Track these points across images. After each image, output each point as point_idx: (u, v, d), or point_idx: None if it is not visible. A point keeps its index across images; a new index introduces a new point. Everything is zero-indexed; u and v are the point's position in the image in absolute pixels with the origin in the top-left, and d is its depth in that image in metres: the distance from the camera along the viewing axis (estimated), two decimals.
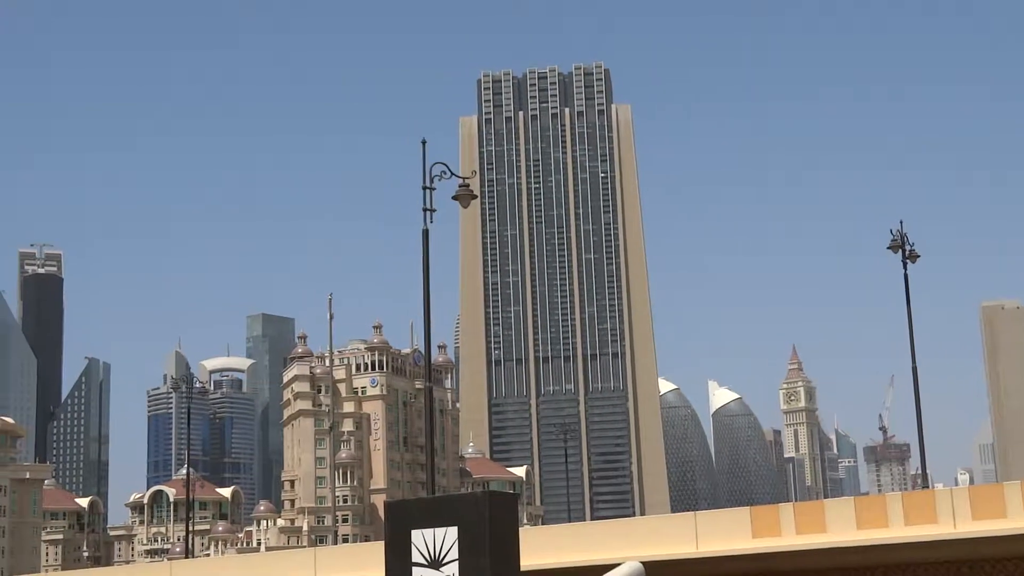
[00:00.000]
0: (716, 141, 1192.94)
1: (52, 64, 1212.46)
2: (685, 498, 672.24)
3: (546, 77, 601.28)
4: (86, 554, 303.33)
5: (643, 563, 33.02)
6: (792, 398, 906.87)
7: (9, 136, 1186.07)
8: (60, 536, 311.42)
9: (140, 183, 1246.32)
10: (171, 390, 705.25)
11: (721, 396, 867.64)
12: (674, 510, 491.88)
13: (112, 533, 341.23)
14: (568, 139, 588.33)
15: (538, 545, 38.68)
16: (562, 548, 39.72)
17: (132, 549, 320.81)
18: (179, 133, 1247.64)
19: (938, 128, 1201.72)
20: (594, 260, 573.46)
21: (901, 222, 68.70)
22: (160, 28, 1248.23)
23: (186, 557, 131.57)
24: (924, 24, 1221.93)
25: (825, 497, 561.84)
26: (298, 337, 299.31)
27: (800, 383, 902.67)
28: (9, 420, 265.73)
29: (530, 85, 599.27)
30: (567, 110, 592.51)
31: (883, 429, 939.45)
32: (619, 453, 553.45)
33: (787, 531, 37.24)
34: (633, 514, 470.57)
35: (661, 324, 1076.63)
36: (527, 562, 30.52)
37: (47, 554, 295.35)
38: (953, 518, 38.59)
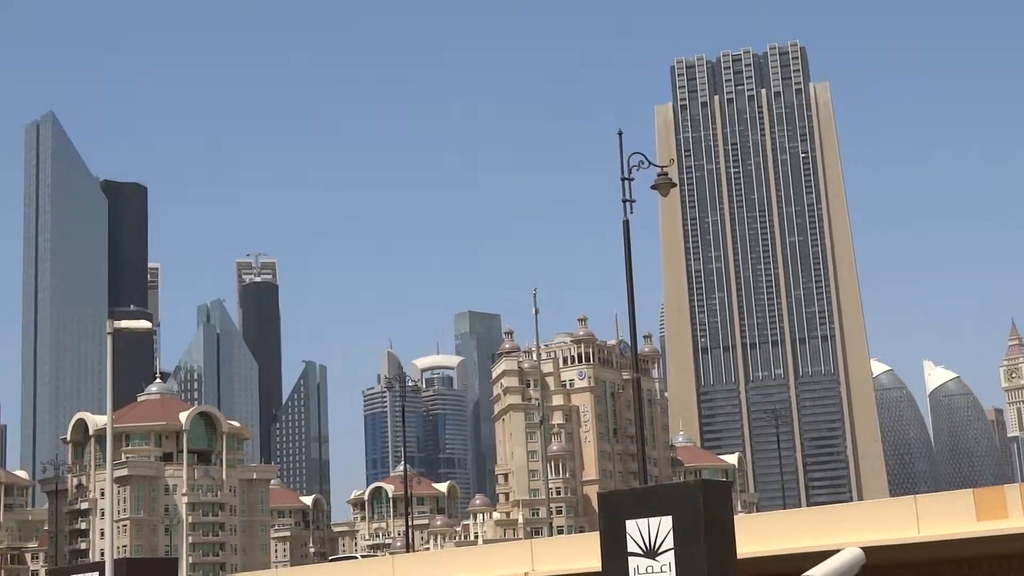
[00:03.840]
0: (918, 109, 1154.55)
1: (263, 87, 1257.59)
2: (904, 481, 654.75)
3: (740, 59, 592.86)
4: (312, 550, 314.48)
5: (863, 548, 32.61)
6: (1014, 375, 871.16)
7: (220, 156, 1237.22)
8: (287, 533, 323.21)
9: (347, 192, 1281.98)
10: (385, 389, 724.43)
11: (937, 376, 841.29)
12: (893, 494, 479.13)
13: (336, 529, 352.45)
14: (766, 121, 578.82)
15: (754, 532, 38.50)
16: (779, 535, 39.42)
17: (355, 544, 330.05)
18: (375, 149, 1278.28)
19: None
20: (798, 242, 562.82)
21: None
22: (367, 43, 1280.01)
23: (407, 551, 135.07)
24: None
25: None
26: (505, 333, 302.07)
27: (1022, 359, 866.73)
28: (236, 424, 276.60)
29: (724, 68, 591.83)
30: (763, 91, 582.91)
31: None
32: (833, 438, 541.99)
33: (1014, 513, 36.03)
34: (850, 499, 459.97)
35: (870, 304, 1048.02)
36: (743, 550, 30.52)
37: (276, 551, 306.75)
38: None
